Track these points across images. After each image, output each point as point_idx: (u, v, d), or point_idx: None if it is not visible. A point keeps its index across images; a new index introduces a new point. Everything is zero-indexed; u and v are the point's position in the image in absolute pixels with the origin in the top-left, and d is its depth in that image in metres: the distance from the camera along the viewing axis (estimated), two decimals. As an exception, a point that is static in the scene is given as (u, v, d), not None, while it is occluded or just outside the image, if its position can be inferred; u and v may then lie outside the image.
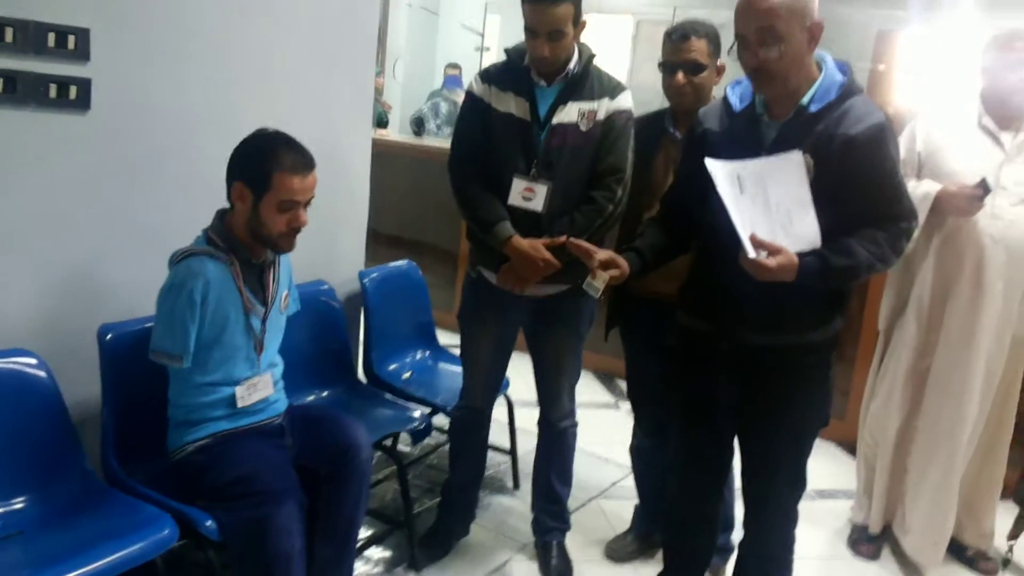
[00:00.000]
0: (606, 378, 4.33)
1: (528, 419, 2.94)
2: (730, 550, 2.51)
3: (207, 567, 1.95)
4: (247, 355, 2.05)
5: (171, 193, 2.29)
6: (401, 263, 3.13)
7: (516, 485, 3.12)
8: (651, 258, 2.04)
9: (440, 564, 2.55)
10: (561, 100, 2.27)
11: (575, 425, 2.58)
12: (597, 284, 1.92)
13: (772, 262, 1.72)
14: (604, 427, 3.62)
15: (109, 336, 2.06)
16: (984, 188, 2.38)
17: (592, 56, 2.32)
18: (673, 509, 2.20)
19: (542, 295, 2.36)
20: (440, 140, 5.57)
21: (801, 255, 1.75)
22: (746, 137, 1.87)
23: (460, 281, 4.75)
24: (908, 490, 2.76)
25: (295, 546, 1.91)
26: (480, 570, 2.56)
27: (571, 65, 2.27)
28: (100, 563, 1.68)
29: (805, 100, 1.81)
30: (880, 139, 1.78)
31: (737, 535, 2.18)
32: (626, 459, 3.04)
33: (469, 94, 2.38)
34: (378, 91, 6.79)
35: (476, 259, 2.44)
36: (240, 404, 2.05)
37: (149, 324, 2.13)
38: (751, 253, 1.72)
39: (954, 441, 2.63)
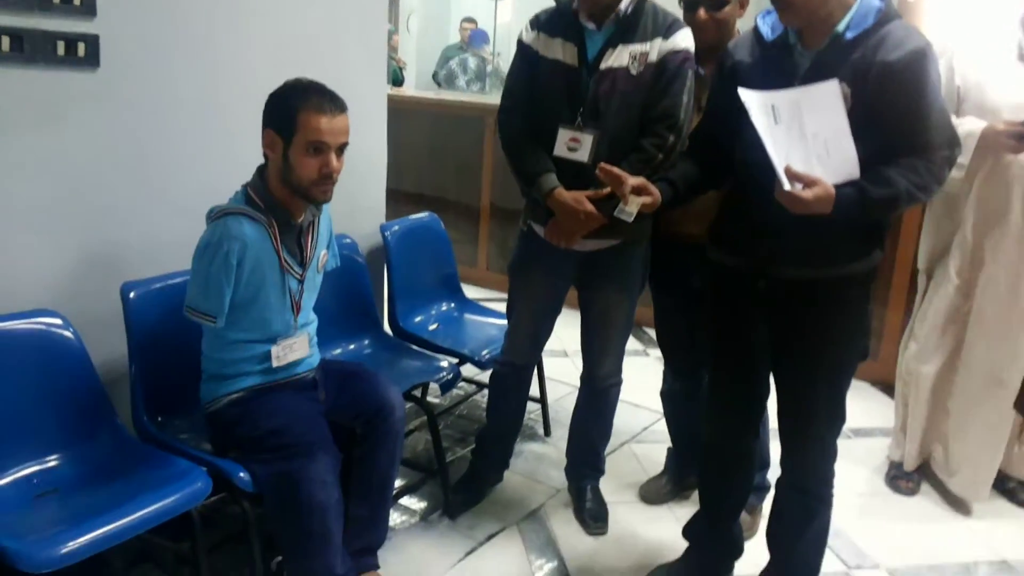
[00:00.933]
0: (634, 327, 4.29)
1: (556, 369, 2.93)
2: (766, 488, 2.49)
3: (243, 520, 1.96)
4: (283, 316, 2.03)
5: (186, 151, 2.27)
6: (423, 215, 3.09)
7: (548, 432, 3.11)
8: (683, 189, 1.99)
9: (475, 511, 2.56)
10: (611, 44, 2.15)
11: (619, 383, 2.53)
12: (630, 209, 1.90)
13: (808, 194, 1.67)
14: (633, 375, 3.53)
15: (132, 294, 2.06)
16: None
17: None
18: (709, 448, 2.17)
19: (590, 250, 2.28)
20: (462, 94, 5.50)
21: (839, 187, 1.69)
22: (779, 67, 1.80)
23: (482, 237, 4.81)
24: (951, 431, 2.72)
25: (331, 497, 1.91)
26: (514, 515, 2.55)
27: (622, 5, 2.14)
28: (135, 516, 1.69)
29: (841, 27, 1.73)
30: (920, 65, 1.70)
31: (773, 473, 2.15)
32: (657, 404, 3.02)
33: (520, 43, 2.30)
34: (393, 50, 6.70)
35: (527, 212, 2.37)
36: (276, 364, 2.04)
37: (172, 281, 2.14)
38: (786, 185, 1.67)
39: (1005, 383, 2.58)
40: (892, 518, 2.70)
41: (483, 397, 2.71)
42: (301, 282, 2.04)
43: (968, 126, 2.38)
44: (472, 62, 6.19)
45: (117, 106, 2.10)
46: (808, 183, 1.67)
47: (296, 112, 1.87)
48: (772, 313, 1.91)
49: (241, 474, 1.90)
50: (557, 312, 2.47)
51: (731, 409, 2.10)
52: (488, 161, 4.63)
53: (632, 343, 4.10)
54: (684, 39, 2.16)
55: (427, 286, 3.03)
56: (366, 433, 2.09)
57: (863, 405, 3.48)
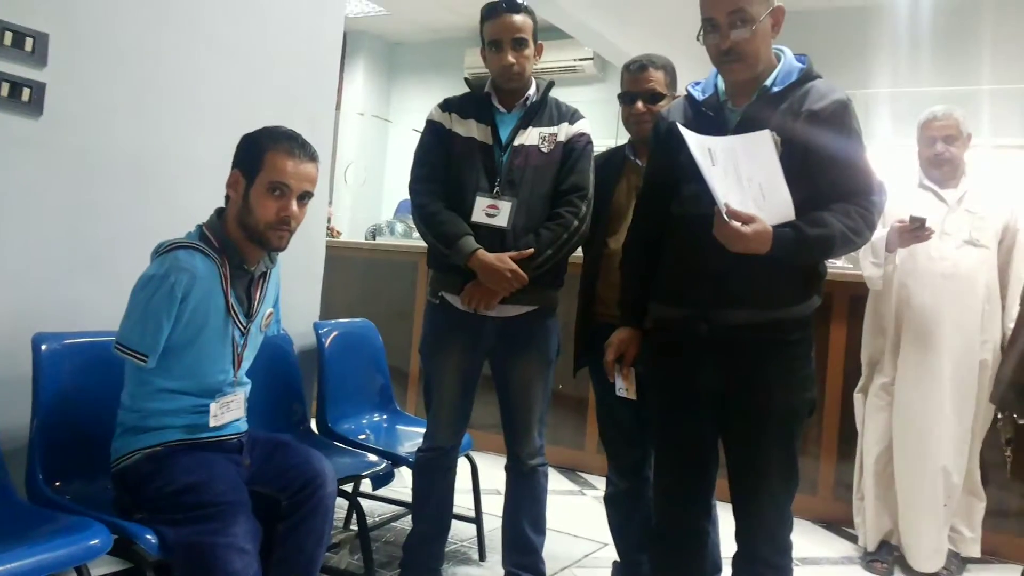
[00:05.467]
0: (569, 472, 4.17)
1: (492, 505, 2.81)
2: (720, 598, 2.32)
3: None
4: (221, 367, 1.90)
5: (120, 213, 2.20)
6: (357, 320, 3.02)
7: (483, 557, 2.88)
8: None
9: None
10: (522, 125, 2.32)
11: (546, 465, 2.44)
12: (627, 386, 2.14)
13: (748, 230, 1.71)
14: (571, 511, 3.45)
15: (44, 347, 1.90)
16: (915, 220, 2.74)
17: (551, 84, 2.39)
18: (659, 533, 2.04)
19: (509, 315, 2.29)
20: (395, 240, 5.60)
21: (776, 227, 1.75)
22: (712, 123, 1.89)
23: (412, 379, 4.69)
24: (900, 510, 2.95)
25: (250, 568, 1.69)
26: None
27: (530, 92, 2.34)
28: (14, 565, 1.45)
29: (768, 82, 1.86)
30: (844, 113, 1.83)
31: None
32: (598, 535, 2.89)
33: (430, 122, 2.39)
34: (328, 220, 6.86)
35: (438, 285, 2.37)
36: (213, 423, 1.88)
37: (87, 339, 2.00)
38: (726, 217, 1.71)
39: (926, 458, 2.88)
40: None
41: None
42: (244, 335, 1.93)
43: (879, 233, 2.76)
44: (399, 228, 6.34)
45: (54, 157, 2.05)
46: (746, 220, 1.71)
47: (264, 152, 1.86)
48: (717, 361, 1.87)
49: (148, 536, 1.68)
50: (474, 389, 2.41)
51: (680, 484, 2.00)
52: (421, 303, 4.62)
53: (568, 484, 4.00)
54: (586, 125, 2.39)
55: (359, 393, 2.90)
56: (293, 506, 1.90)
57: (807, 539, 3.36)
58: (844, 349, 3.64)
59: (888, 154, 5.28)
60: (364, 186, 7.70)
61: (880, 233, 2.80)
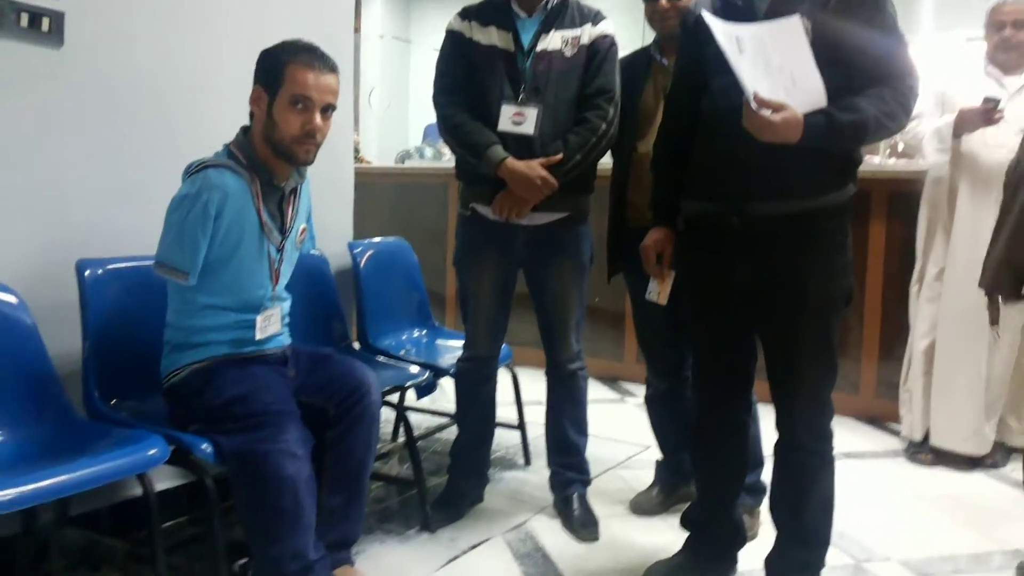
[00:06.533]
0: (610, 381, 4.22)
1: (535, 416, 2.86)
2: (762, 490, 2.35)
3: (207, 503, 1.78)
4: (260, 282, 1.92)
5: (147, 138, 2.21)
6: (391, 239, 3.04)
7: (528, 461, 2.95)
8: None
9: (455, 525, 2.37)
10: (543, 29, 2.27)
11: (584, 369, 2.46)
12: (660, 290, 2.09)
13: (776, 117, 1.67)
14: (613, 419, 3.50)
15: (88, 272, 1.95)
16: (989, 100, 2.74)
17: None
18: (699, 426, 2.06)
19: (541, 223, 2.29)
20: (424, 162, 5.57)
21: (807, 114, 1.70)
22: (739, 11, 1.83)
23: (449, 300, 4.73)
24: (935, 392, 3.03)
25: (302, 472, 1.75)
26: (498, 528, 2.37)
27: None
28: (84, 472, 1.53)
29: None
30: None
31: (768, 474, 2.05)
32: (640, 438, 2.93)
33: (450, 32, 2.35)
34: (356, 149, 6.84)
35: (468, 197, 2.36)
36: (259, 336, 1.92)
37: (127, 264, 2.04)
38: (754, 105, 1.67)
39: (970, 340, 2.92)
40: (897, 518, 2.57)
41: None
42: (280, 251, 1.95)
43: (946, 118, 2.91)
44: (428, 152, 6.31)
45: (78, 86, 2.05)
46: (775, 108, 1.67)
47: (284, 66, 1.84)
48: (751, 258, 1.84)
49: (203, 445, 1.75)
50: (511, 298, 2.42)
51: (718, 380, 2.01)
52: (453, 224, 4.63)
53: (608, 393, 4.05)
54: (610, 27, 2.32)
55: (397, 310, 2.94)
56: (340, 415, 1.94)
57: (851, 434, 3.39)
58: (884, 247, 3.58)
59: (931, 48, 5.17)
60: (389, 111, 7.62)
61: (947, 118, 2.89)
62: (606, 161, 2.38)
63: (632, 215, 2.39)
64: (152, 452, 1.66)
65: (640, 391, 3.01)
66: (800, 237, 1.82)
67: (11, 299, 1.83)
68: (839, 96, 1.73)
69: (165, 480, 2.11)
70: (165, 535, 1.80)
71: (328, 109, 1.89)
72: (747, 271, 1.86)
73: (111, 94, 2.13)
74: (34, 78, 1.98)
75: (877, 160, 3.92)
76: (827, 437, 1.91)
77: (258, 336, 1.91)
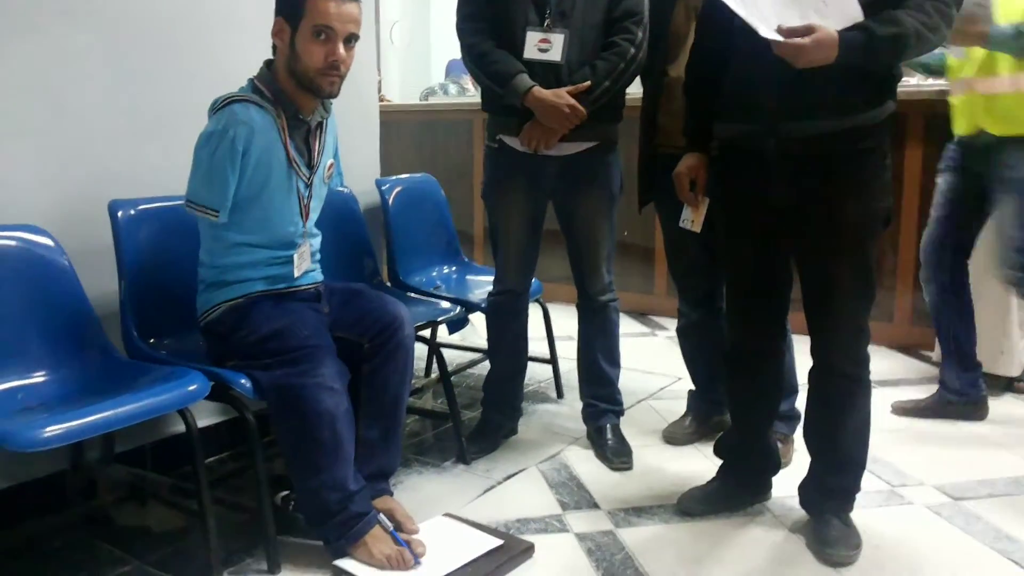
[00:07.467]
0: (640, 316, 4.21)
1: (566, 350, 2.86)
2: (796, 417, 2.35)
3: (247, 438, 1.81)
4: (290, 218, 1.92)
5: (168, 77, 2.19)
6: (418, 175, 3.02)
7: (560, 395, 2.97)
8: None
9: (490, 457, 2.41)
10: None
11: (616, 300, 2.45)
12: (695, 218, 2.04)
13: (807, 40, 1.62)
14: (644, 352, 3.50)
15: (120, 213, 1.96)
16: None
17: None
18: (733, 352, 2.05)
19: (570, 153, 2.25)
20: (448, 98, 5.50)
21: (843, 31, 1.64)
22: None
23: (478, 235, 4.72)
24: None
25: (340, 405, 1.77)
26: (533, 459, 2.40)
27: None
28: (127, 407, 1.56)
29: None
30: None
31: (802, 401, 2.04)
32: (672, 370, 2.91)
33: None
34: (378, 89, 6.76)
35: (495, 128, 2.33)
36: (297, 273, 1.93)
37: (159, 203, 2.05)
38: (775, 48, 1.63)
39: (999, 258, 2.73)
40: (931, 444, 2.57)
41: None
42: (309, 186, 1.94)
43: None
44: (452, 89, 6.23)
45: (97, 26, 2.03)
46: (803, 33, 1.62)
47: None
48: (787, 180, 1.80)
49: (242, 380, 1.77)
50: (540, 231, 2.40)
51: (752, 305, 1.99)
52: (480, 160, 4.60)
53: (639, 327, 4.05)
54: None
55: (427, 246, 2.93)
56: (374, 348, 1.95)
57: (886, 362, 3.37)
58: (920, 172, 3.49)
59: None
60: (410, 49, 7.48)
61: None
62: (635, 88, 2.33)
63: (663, 142, 2.34)
64: (192, 387, 1.68)
65: (671, 324, 3.00)
66: (837, 157, 1.78)
67: (48, 242, 1.85)
68: (878, 9, 1.67)
69: (205, 417, 2.16)
70: (208, 470, 1.85)
71: (351, 39, 1.86)
72: (783, 193, 1.83)
73: (132, 30, 2.11)
74: (52, 15, 1.96)
75: (913, 81, 3.78)
76: (864, 362, 1.89)
77: (296, 273, 1.92)
